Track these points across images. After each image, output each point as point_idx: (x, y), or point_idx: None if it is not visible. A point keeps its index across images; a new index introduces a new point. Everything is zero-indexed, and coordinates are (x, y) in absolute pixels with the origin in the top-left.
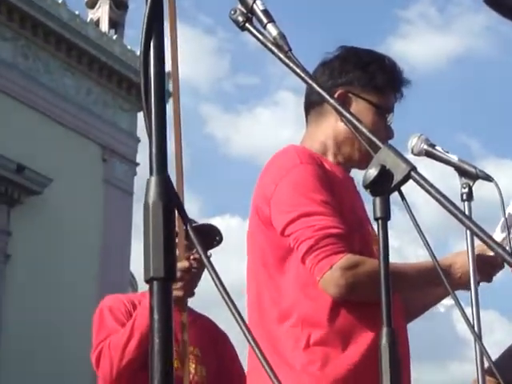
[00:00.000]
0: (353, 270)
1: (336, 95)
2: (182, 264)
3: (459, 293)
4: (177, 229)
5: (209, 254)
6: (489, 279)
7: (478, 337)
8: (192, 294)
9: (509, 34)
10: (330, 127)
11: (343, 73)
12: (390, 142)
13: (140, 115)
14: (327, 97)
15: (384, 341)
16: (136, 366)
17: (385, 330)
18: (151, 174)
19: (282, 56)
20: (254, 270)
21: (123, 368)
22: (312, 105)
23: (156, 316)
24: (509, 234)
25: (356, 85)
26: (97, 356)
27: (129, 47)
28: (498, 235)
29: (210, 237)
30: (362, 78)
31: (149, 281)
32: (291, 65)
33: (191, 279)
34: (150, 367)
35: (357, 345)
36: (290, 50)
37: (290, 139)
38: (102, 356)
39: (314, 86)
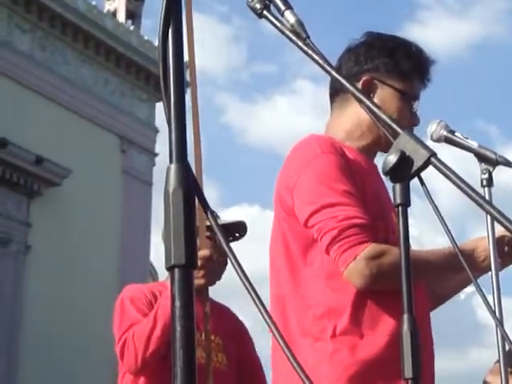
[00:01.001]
0: (377, 260)
1: (361, 82)
2: (203, 252)
3: (481, 279)
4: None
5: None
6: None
7: (500, 322)
8: (214, 283)
9: None
10: (355, 114)
11: (369, 59)
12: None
13: (158, 105)
14: (346, 84)
15: (405, 327)
16: (160, 355)
17: (406, 317)
18: (171, 161)
19: (300, 43)
20: (278, 260)
21: (148, 358)
22: (337, 92)
23: (178, 303)
24: None
25: (382, 71)
26: (121, 347)
27: (146, 38)
28: None
29: (234, 230)
30: (388, 64)
31: (170, 268)
32: (310, 52)
33: (213, 268)
34: (172, 354)
35: (382, 332)
36: (308, 37)
37: (308, 128)
38: (126, 347)
39: (333, 73)
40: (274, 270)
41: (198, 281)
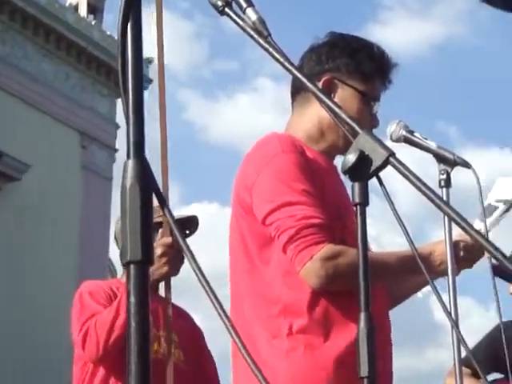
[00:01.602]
0: (333, 260)
1: (322, 81)
2: (165, 239)
3: (438, 280)
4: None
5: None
6: (470, 265)
7: (455, 323)
8: (177, 272)
9: (489, 20)
10: (315, 114)
11: (330, 59)
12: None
13: (119, 101)
14: (307, 83)
15: (362, 325)
16: (122, 345)
17: (362, 315)
18: (128, 157)
19: (261, 41)
20: (236, 257)
21: (110, 346)
22: (298, 91)
23: (133, 299)
24: (485, 222)
25: (343, 71)
26: (83, 336)
27: (108, 33)
28: (477, 224)
29: (187, 225)
30: (350, 64)
31: (126, 264)
32: (271, 50)
33: (175, 256)
34: (127, 350)
35: (341, 334)
36: (270, 35)
37: (269, 126)
38: (88, 336)
39: (294, 71)
40: (233, 267)
41: (161, 269)
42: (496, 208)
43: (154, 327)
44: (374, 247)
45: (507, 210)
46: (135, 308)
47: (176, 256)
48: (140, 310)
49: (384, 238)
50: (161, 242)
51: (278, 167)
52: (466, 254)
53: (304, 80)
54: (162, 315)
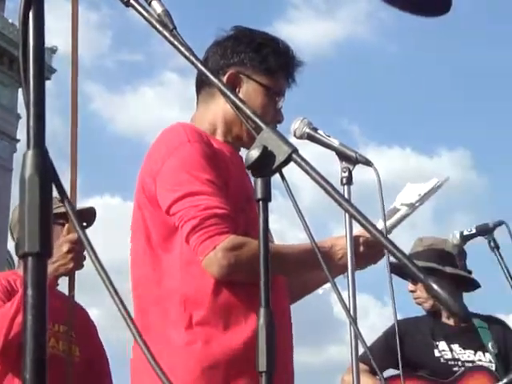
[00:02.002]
0: (235, 251)
1: (227, 75)
2: (72, 236)
3: (339, 277)
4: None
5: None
6: (372, 262)
7: (353, 320)
8: (81, 266)
9: (387, 21)
10: (220, 107)
11: (235, 53)
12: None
13: (21, 91)
14: (211, 77)
15: (261, 321)
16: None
17: (262, 311)
18: (28, 147)
19: (166, 34)
20: (138, 247)
21: (11, 340)
22: (203, 85)
23: (30, 292)
24: (385, 219)
25: (248, 66)
26: None
27: (10, 21)
28: (380, 224)
29: (84, 217)
30: (254, 59)
31: (23, 256)
32: (176, 43)
33: (81, 252)
34: (23, 344)
35: (240, 327)
36: (175, 28)
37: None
38: None
39: (199, 65)
40: (135, 258)
41: (67, 265)
42: (398, 210)
43: (51, 322)
44: (278, 242)
45: (409, 213)
46: (32, 301)
47: (82, 251)
48: (37, 303)
49: (288, 233)
50: (67, 238)
51: (183, 156)
52: (366, 249)
53: (208, 74)
54: (60, 310)
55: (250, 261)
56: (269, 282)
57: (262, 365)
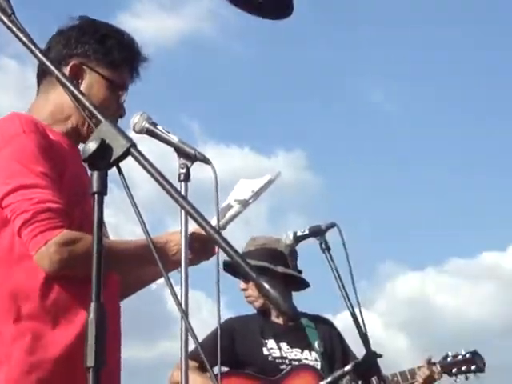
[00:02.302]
0: (68, 246)
1: (69, 66)
2: None
3: (173, 272)
4: None
5: None
6: (205, 258)
7: (185, 314)
8: None
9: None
10: (60, 98)
11: (79, 44)
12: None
13: None
14: (51, 66)
15: (91, 316)
16: None
17: (93, 305)
18: None
19: (4, 19)
20: None
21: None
22: (44, 74)
23: None
24: (218, 217)
25: (91, 57)
26: None
27: None
28: (214, 220)
29: None
30: (98, 51)
31: None
32: (14, 29)
33: None
34: None
35: (72, 324)
36: (14, 13)
37: (9, 107)
38: None
39: (38, 54)
40: None
41: None
42: (232, 207)
43: None
44: (113, 236)
45: (242, 210)
46: None
47: None
48: None
49: (124, 227)
50: None
51: (18, 148)
52: (200, 245)
53: (48, 63)
54: None
55: (83, 256)
56: (101, 278)
57: (91, 360)
